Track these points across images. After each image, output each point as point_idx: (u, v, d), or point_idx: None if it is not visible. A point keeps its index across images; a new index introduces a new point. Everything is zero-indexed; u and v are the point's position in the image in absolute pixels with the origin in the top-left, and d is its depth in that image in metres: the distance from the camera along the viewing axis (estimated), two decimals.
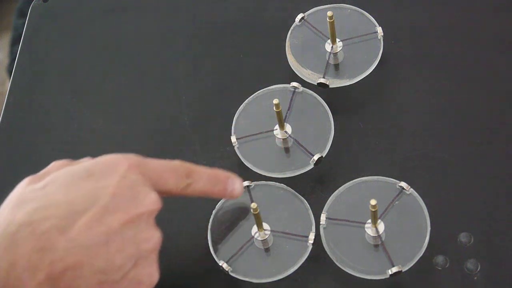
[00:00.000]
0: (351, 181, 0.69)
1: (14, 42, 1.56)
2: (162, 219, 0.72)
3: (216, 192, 0.65)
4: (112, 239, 0.56)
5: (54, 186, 0.57)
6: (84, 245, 0.55)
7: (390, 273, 0.64)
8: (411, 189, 0.68)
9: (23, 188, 0.58)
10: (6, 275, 0.53)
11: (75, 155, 0.77)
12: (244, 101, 0.75)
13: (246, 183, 0.70)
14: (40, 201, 0.56)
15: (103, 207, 0.56)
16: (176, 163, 0.63)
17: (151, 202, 0.59)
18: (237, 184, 0.66)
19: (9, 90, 0.83)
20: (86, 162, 0.60)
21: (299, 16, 0.78)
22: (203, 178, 0.63)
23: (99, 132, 0.78)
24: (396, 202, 0.68)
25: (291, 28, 0.79)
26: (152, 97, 0.80)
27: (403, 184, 0.68)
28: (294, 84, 0.74)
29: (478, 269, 0.65)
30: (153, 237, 0.59)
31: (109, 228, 0.56)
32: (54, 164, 0.61)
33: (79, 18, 0.87)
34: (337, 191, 0.69)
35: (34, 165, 0.77)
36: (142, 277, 0.58)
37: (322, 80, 0.75)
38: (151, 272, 0.59)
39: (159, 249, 0.60)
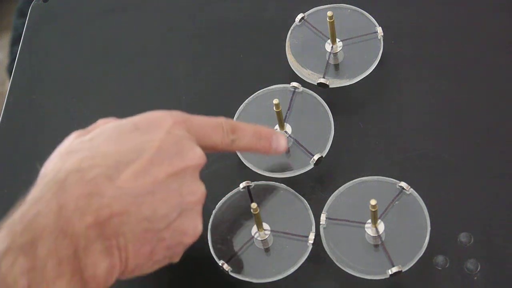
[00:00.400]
0: (351, 181, 0.69)
1: (14, 42, 1.56)
2: None
3: (260, 148, 0.66)
4: (157, 189, 0.57)
5: (101, 138, 0.59)
6: (131, 193, 0.56)
7: (390, 273, 0.64)
8: (411, 189, 0.68)
9: (71, 141, 0.60)
10: (55, 218, 0.54)
11: None
12: (244, 101, 0.75)
13: (246, 183, 0.70)
14: (88, 151, 0.58)
15: (149, 159, 0.57)
16: (221, 119, 0.64)
17: (196, 156, 0.60)
18: (282, 140, 0.67)
19: (9, 90, 0.83)
20: (132, 118, 0.61)
21: (299, 16, 0.78)
22: (248, 135, 0.65)
23: None
24: (396, 202, 0.68)
25: (291, 28, 0.79)
26: (152, 97, 0.80)
27: (403, 184, 0.68)
28: (294, 84, 0.74)
29: (478, 269, 0.65)
30: (198, 190, 0.60)
31: (155, 179, 0.57)
32: (100, 121, 0.63)
33: (79, 18, 0.87)
34: (337, 191, 0.69)
35: (34, 165, 0.77)
36: (186, 228, 0.60)
37: (322, 80, 0.75)
38: (195, 224, 0.61)
39: (203, 203, 0.61)
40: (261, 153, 0.68)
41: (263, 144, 0.66)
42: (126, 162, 0.57)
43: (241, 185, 0.70)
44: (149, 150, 0.58)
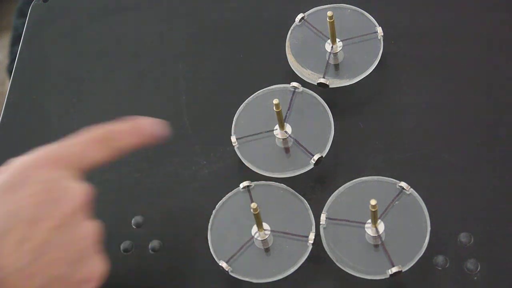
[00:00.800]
0: (351, 181, 0.69)
1: (14, 42, 1.56)
2: (162, 219, 0.73)
3: (140, 142, 0.62)
4: (46, 251, 0.53)
5: None
6: (18, 268, 0.53)
7: (390, 273, 0.64)
8: (411, 189, 0.68)
9: None
10: None
11: None
12: (244, 101, 0.75)
13: (246, 183, 0.70)
14: None
15: (27, 221, 0.53)
16: (92, 134, 0.60)
17: (75, 196, 0.56)
18: (154, 125, 0.63)
19: (9, 90, 0.83)
20: (0, 176, 0.56)
21: (299, 16, 0.78)
22: (124, 135, 0.61)
23: None
24: (396, 202, 0.68)
25: (291, 28, 0.79)
26: (152, 97, 0.80)
27: (403, 184, 0.68)
28: (294, 84, 0.74)
29: (478, 269, 0.65)
30: (88, 232, 0.56)
31: (39, 241, 0.53)
32: None
33: (79, 18, 0.87)
34: (337, 191, 0.69)
35: None
36: (89, 275, 0.56)
37: (322, 80, 0.75)
38: (97, 266, 0.57)
39: (100, 239, 0.58)
40: (143, 145, 0.64)
41: (142, 139, 0.62)
42: (4, 232, 0.53)
43: (241, 185, 0.70)
44: (25, 210, 0.53)
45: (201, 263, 0.69)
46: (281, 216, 0.69)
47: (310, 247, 0.67)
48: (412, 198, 0.68)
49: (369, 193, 0.68)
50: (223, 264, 0.67)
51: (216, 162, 0.74)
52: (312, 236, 0.67)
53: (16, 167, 0.57)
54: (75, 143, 0.59)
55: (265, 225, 0.68)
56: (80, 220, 0.56)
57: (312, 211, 0.69)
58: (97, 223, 0.58)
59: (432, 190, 0.69)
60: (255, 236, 0.68)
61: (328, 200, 0.69)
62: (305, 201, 0.69)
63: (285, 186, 0.70)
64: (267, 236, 0.68)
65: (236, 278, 0.67)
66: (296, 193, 0.70)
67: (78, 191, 0.57)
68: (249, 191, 0.70)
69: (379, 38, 0.76)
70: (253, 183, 0.70)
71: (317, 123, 0.73)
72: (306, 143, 0.72)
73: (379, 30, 0.76)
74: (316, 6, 0.79)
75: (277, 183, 0.70)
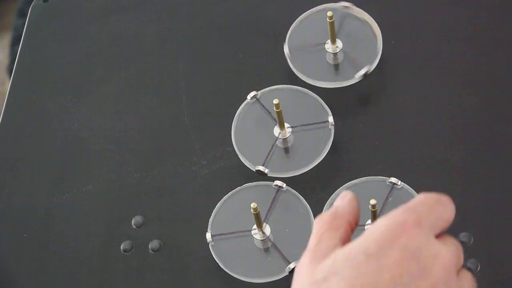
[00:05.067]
0: (339, 188, 0.69)
1: (15, 43, 1.56)
2: (162, 219, 0.72)
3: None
4: None
5: (335, 279, 0.48)
6: None
7: None
8: (402, 182, 0.68)
9: (305, 279, 0.50)
10: None
11: (75, 155, 0.77)
12: (244, 101, 0.75)
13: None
14: None
15: None
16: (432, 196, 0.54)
17: (445, 261, 0.49)
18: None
19: (9, 90, 0.83)
20: (361, 241, 0.50)
21: (299, 17, 0.79)
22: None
23: (99, 132, 0.78)
24: (390, 199, 0.68)
25: (291, 28, 0.79)
26: (152, 97, 0.80)
27: (393, 179, 0.68)
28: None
29: (478, 269, 0.65)
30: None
31: None
32: (323, 235, 0.51)
33: (79, 18, 0.87)
34: (327, 202, 0.68)
35: (34, 165, 0.77)
36: None
37: (320, 81, 0.75)
38: None
39: None
40: None
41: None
42: None
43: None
44: (387, 283, 0.47)
45: (201, 263, 0.69)
46: (281, 216, 0.69)
47: None
48: (404, 191, 0.68)
49: (361, 195, 0.67)
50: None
51: (216, 162, 0.74)
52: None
53: (381, 230, 0.50)
54: (425, 203, 0.53)
55: (265, 225, 0.68)
56: (448, 285, 0.50)
57: (312, 211, 0.68)
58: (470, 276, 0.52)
59: (432, 190, 0.69)
60: (255, 236, 0.68)
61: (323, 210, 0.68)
62: (305, 201, 0.69)
63: (285, 186, 0.70)
64: (267, 236, 0.68)
65: (236, 278, 0.67)
66: (296, 193, 0.70)
67: (449, 257, 0.50)
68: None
69: (378, 38, 0.76)
70: (253, 184, 0.70)
71: (317, 124, 0.73)
72: (306, 143, 0.72)
73: (377, 30, 0.76)
74: (315, 6, 0.79)
75: (277, 183, 0.70)
